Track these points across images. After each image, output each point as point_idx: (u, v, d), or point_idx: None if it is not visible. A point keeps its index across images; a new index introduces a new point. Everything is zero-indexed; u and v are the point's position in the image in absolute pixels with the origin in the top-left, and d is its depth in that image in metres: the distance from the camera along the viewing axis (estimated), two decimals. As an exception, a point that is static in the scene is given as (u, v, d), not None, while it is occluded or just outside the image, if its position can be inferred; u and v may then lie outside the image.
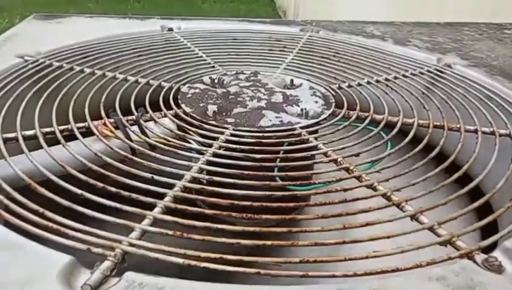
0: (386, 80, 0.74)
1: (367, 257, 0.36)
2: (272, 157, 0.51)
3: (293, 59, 0.82)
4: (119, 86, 0.66)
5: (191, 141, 0.55)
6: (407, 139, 0.55)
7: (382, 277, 0.34)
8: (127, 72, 0.71)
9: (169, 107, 0.61)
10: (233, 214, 0.41)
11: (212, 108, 0.60)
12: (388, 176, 0.47)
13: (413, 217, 0.42)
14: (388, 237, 0.38)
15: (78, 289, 0.32)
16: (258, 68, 0.77)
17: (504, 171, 0.49)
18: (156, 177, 0.45)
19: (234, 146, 0.52)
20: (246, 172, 0.47)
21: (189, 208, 0.41)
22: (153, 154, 0.50)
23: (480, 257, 0.36)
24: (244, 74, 0.74)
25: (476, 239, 0.42)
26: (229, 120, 0.58)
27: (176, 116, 0.60)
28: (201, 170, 0.48)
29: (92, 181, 0.44)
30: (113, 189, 0.43)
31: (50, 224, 0.37)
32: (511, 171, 0.49)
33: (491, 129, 0.58)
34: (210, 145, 0.53)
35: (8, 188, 0.43)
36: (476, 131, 0.58)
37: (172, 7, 3.79)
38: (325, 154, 0.53)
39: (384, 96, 0.67)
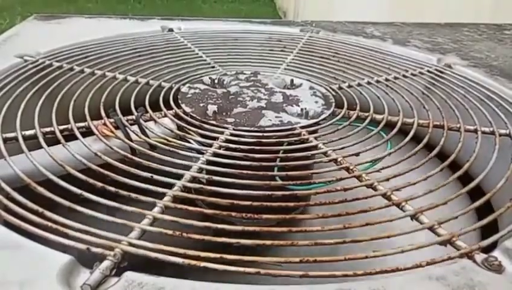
0: (386, 80, 0.74)
1: (367, 257, 0.36)
2: (272, 157, 0.51)
3: (293, 59, 0.82)
4: (119, 86, 0.66)
5: (191, 140, 0.55)
6: (407, 139, 0.55)
7: (382, 277, 0.34)
8: (127, 72, 0.71)
9: (169, 107, 0.61)
10: (233, 213, 0.41)
11: (212, 108, 0.60)
12: (388, 175, 0.47)
13: (413, 217, 0.42)
14: (388, 237, 0.38)
15: (77, 288, 0.32)
16: (258, 68, 0.77)
17: (504, 171, 0.49)
18: (155, 176, 0.45)
19: (234, 146, 0.52)
20: (245, 172, 0.47)
21: (189, 208, 0.41)
22: (153, 154, 0.50)
23: (480, 257, 0.36)
24: (244, 74, 0.74)
25: (476, 239, 0.42)
26: (229, 120, 0.58)
27: (176, 116, 0.60)
28: (201, 170, 0.48)
29: (91, 181, 0.43)
30: (112, 189, 0.43)
31: (50, 224, 0.37)
32: (511, 171, 0.49)
33: (491, 129, 0.58)
34: (210, 145, 0.53)
35: (8, 188, 0.43)
36: (476, 131, 0.58)
37: (172, 8, 3.79)
38: (325, 154, 0.53)
39: (384, 96, 0.67)
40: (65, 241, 0.35)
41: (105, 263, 0.34)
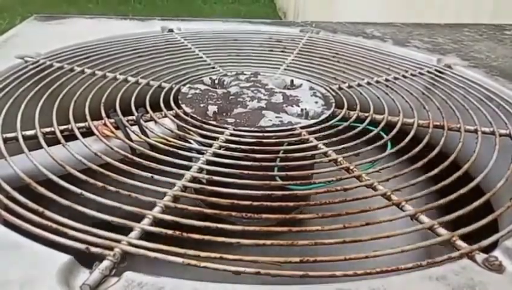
0: (386, 80, 0.74)
1: (367, 257, 0.36)
2: (272, 157, 0.51)
3: (293, 60, 0.82)
4: (119, 87, 0.66)
5: (191, 140, 0.55)
6: (407, 139, 0.55)
7: (382, 277, 0.34)
8: (128, 72, 0.72)
9: (169, 108, 0.61)
10: (233, 213, 0.41)
11: (212, 108, 0.60)
12: (388, 176, 0.47)
13: (413, 217, 0.42)
14: (388, 237, 0.38)
15: (77, 288, 0.32)
16: (258, 69, 0.77)
17: (504, 171, 0.49)
18: (155, 176, 0.45)
19: (234, 146, 0.52)
20: (246, 172, 0.47)
21: (189, 208, 0.41)
22: (153, 154, 0.50)
23: (480, 257, 0.36)
24: (245, 74, 0.74)
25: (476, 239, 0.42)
26: (229, 120, 0.58)
27: (176, 116, 0.60)
28: (201, 170, 0.48)
29: (92, 181, 0.43)
30: (112, 189, 0.43)
31: (49, 223, 0.37)
32: (511, 171, 0.49)
33: (491, 129, 0.58)
34: (210, 145, 0.53)
35: (8, 188, 0.43)
36: (476, 131, 0.58)
37: (172, 8, 3.79)
38: (325, 154, 0.53)
39: (384, 97, 0.67)
40: (65, 241, 0.35)
41: (105, 263, 0.34)
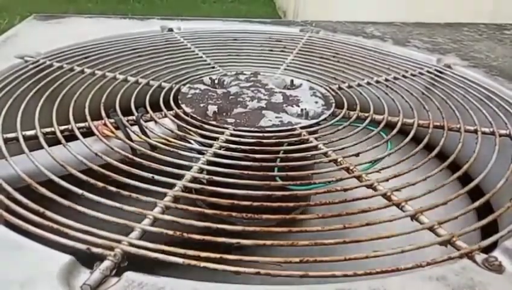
0: (386, 80, 0.74)
1: (367, 257, 0.36)
2: (272, 157, 0.51)
3: (293, 59, 0.82)
4: (119, 87, 0.66)
5: (191, 141, 0.55)
6: (407, 139, 0.55)
7: (382, 277, 0.34)
8: (127, 72, 0.72)
9: (169, 108, 0.61)
10: (234, 213, 0.41)
11: (212, 108, 0.60)
12: (388, 176, 0.47)
13: (413, 217, 0.42)
14: (388, 237, 0.38)
15: (77, 288, 0.32)
16: (258, 69, 0.77)
17: (504, 171, 0.49)
18: (156, 177, 0.45)
19: (234, 146, 0.52)
20: (246, 172, 0.47)
21: (190, 208, 0.41)
22: (154, 154, 0.50)
23: (480, 257, 0.36)
24: (244, 74, 0.74)
25: (476, 239, 0.42)
26: (229, 120, 0.58)
27: (176, 116, 0.60)
28: (201, 170, 0.48)
29: (92, 181, 0.44)
30: (113, 189, 0.43)
31: (50, 224, 0.37)
32: (511, 171, 0.49)
33: (491, 129, 0.58)
34: (210, 145, 0.53)
35: (9, 188, 0.43)
36: (476, 131, 0.58)
37: (172, 7, 3.79)
38: (325, 154, 0.53)
39: (384, 97, 0.67)
40: (65, 241, 0.35)
41: (106, 263, 0.34)
